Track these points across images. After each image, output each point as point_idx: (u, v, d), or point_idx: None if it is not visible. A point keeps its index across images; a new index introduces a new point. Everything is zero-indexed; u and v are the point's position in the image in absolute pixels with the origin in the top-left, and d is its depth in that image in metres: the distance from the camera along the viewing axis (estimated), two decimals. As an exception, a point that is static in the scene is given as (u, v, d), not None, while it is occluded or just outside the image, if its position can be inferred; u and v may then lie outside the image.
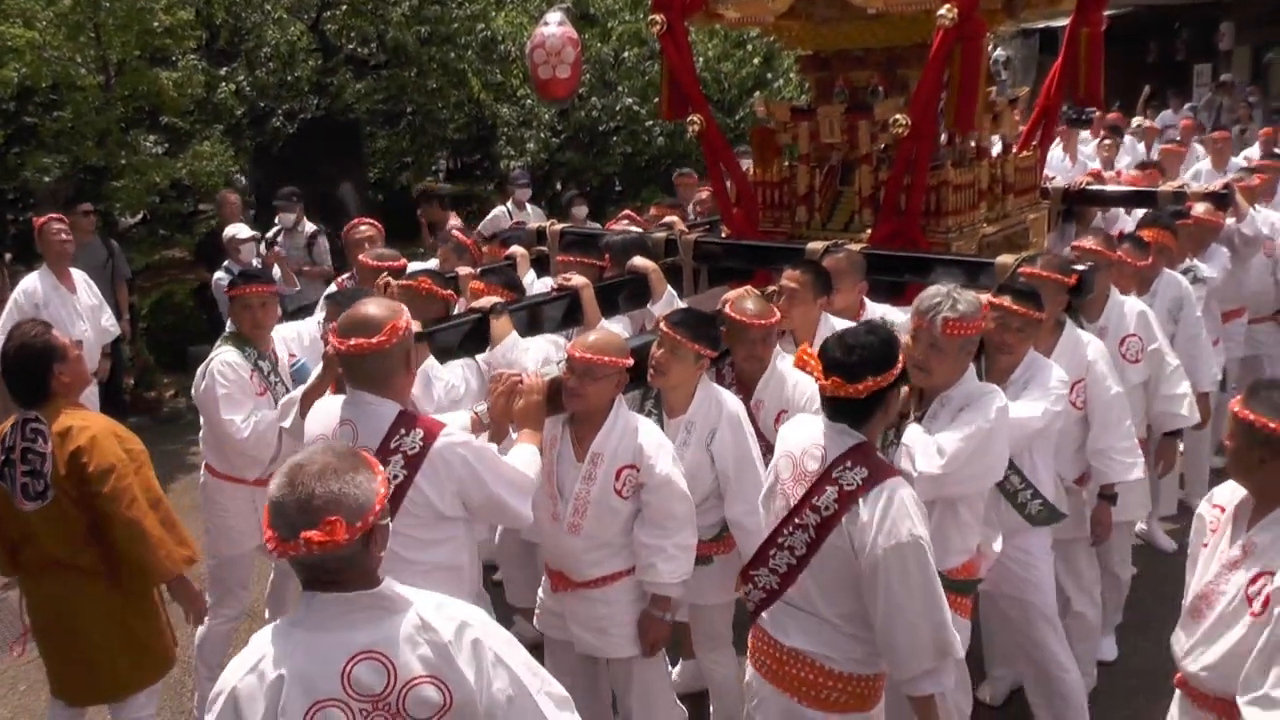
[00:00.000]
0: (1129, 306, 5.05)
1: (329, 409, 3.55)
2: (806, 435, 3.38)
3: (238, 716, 2.27)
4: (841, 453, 3.24)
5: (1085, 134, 12.66)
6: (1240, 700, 2.94)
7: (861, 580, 3.16)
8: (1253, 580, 3.05)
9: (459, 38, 14.64)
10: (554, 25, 9.72)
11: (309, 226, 9.63)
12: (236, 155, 12.33)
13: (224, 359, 4.84)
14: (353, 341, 3.28)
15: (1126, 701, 4.96)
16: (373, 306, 3.38)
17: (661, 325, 4.13)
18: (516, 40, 14.61)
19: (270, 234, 9.51)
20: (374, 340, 3.26)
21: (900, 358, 3.32)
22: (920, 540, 3.14)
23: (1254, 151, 11.61)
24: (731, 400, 4.27)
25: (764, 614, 3.41)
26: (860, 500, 3.15)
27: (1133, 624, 5.49)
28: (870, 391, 3.21)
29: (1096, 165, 10.66)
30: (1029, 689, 4.57)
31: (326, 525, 2.20)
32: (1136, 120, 14.57)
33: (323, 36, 14.19)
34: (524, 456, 3.63)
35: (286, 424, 4.38)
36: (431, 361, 4.45)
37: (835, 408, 3.28)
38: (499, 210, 10.74)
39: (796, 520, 3.26)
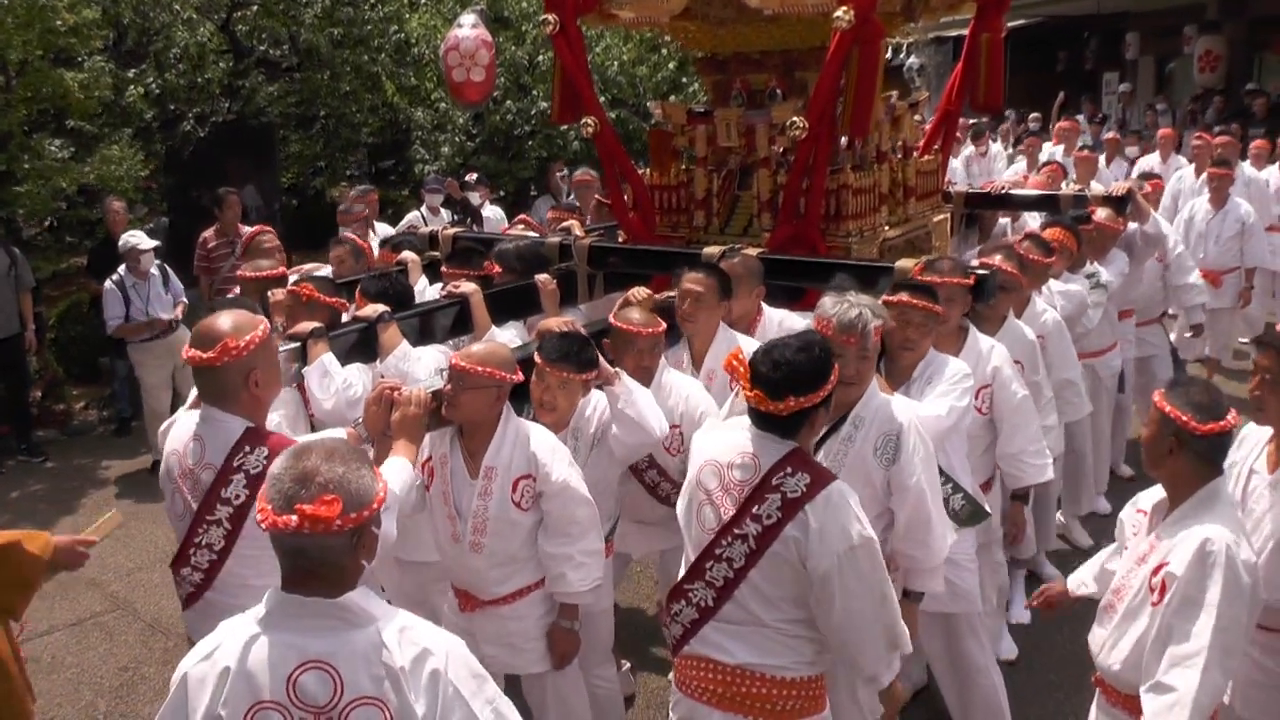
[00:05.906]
0: (1024, 333, 5.05)
1: (186, 424, 3.40)
2: (730, 443, 3.28)
3: (187, 701, 2.24)
4: (777, 460, 3.16)
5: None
6: (1141, 690, 3.02)
7: (811, 587, 3.09)
8: (1154, 571, 3.11)
9: (372, 40, 14.42)
10: (468, 28, 9.64)
11: None
12: (146, 159, 12.01)
13: None
14: (190, 353, 3.19)
15: (1047, 694, 5.00)
16: (222, 319, 3.24)
17: (542, 363, 3.96)
18: (430, 43, 14.48)
19: None
20: (205, 355, 3.15)
21: (833, 375, 3.21)
22: (871, 540, 3.13)
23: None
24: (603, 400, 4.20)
25: (694, 640, 3.28)
26: (807, 507, 3.08)
27: (1049, 620, 5.46)
28: (792, 411, 3.13)
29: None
30: (949, 699, 4.54)
31: (322, 503, 2.14)
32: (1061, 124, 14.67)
33: (233, 38, 13.89)
34: (391, 471, 3.43)
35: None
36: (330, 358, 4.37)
37: (761, 418, 3.20)
38: (413, 215, 10.65)
39: (735, 530, 3.16)
